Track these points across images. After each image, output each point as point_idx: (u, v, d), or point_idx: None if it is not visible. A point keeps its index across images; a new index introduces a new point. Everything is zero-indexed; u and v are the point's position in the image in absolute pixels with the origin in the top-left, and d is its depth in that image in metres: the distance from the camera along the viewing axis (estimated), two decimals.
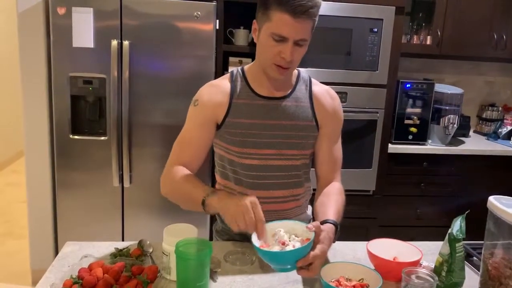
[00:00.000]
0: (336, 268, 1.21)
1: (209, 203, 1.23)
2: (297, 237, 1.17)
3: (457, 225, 1.19)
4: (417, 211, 3.24)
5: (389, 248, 1.36)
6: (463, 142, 3.32)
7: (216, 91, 1.40)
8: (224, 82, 1.42)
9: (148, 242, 1.41)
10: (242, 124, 1.38)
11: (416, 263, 1.27)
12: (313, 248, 1.12)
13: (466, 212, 1.26)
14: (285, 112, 1.40)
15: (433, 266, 1.31)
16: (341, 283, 1.14)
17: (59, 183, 2.62)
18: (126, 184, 2.63)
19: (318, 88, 1.46)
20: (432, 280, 1.10)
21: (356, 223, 3.04)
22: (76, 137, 2.60)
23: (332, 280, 1.18)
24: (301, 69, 1.48)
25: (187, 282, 1.13)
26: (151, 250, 1.37)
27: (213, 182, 2.68)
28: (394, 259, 1.35)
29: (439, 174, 3.19)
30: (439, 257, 1.22)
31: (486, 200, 1.18)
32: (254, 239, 1.13)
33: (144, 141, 2.61)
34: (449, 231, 1.19)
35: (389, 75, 2.85)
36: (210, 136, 1.41)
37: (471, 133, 3.60)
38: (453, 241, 1.16)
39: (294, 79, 1.44)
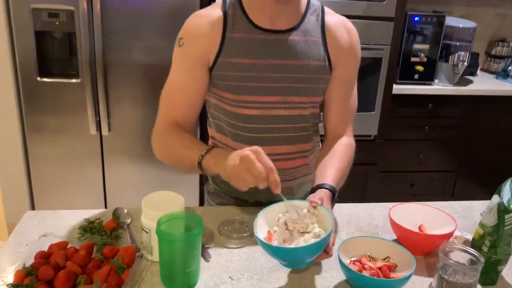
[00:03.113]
0: (355, 244, 0.99)
1: (205, 165, 1.00)
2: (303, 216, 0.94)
3: (508, 192, 0.96)
4: (419, 156, 3.05)
5: (413, 214, 1.14)
6: (471, 82, 3.07)
7: (205, 22, 1.10)
8: (214, 12, 1.12)
9: (125, 211, 1.17)
10: (238, 65, 1.10)
11: (450, 236, 1.05)
12: None
13: None
14: (291, 49, 1.11)
15: (467, 237, 1.11)
16: (364, 265, 0.93)
17: (28, 130, 2.34)
18: (105, 132, 2.35)
19: (332, 19, 1.17)
20: (479, 261, 0.89)
21: (355, 170, 2.82)
22: (45, 79, 2.28)
23: (352, 260, 0.97)
24: None
25: (173, 269, 0.91)
26: (129, 221, 1.14)
27: (203, 135, 2.44)
28: (419, 227, 1.14)
29: (444, 117, 2.98)
30: (480, 228, 1.01)
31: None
32: (257, 230, 0.89)
33: (122, 83, 2.31)
34: (498, 200, 0.96)
35: (397, 7, 2.53)
36: (203, 82, 1.14)
37: (478, 71, 3.34)
38: (503, 212, 0.94)
39: (303, 7, 1.14)
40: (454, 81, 2.92)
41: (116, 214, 1.14)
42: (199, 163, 1.01)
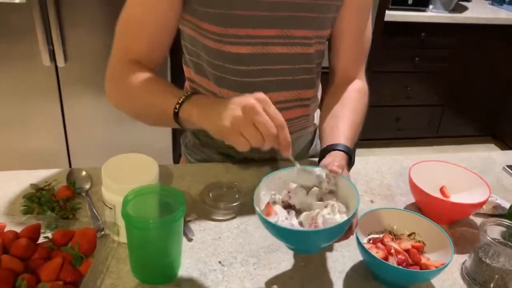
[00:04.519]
0: (374, 219, 0.80)
1: (184, 116, 0.74)
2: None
3: None
4: (407, 89, 2.87)
5: (434, 173, 0.96)
6: (466, 8, 2.84)
7: None
8: None
9: (83, 173, 0.93)
10: None
11: (482, 204, 0.87)
12: None
13: None
14: None
15: (498, 202, 0.94)
16: (390, 248, 0.74)
17: None
18: (60, 62, 2.03)
19: None
20: None
21: None
22: None
23: (372, 239, 0.78)
24: None
25: (146, 261, 0.70)
26: (88, 187, 0.91)
27: (174, 76, 2.14)
28: (441, 189, 0.96)
29: (436, 47, 2.77)
30: None
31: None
32: (258, 207, 0.66)
33: (77, 4, 1.95)
34: None
35: None
36: (176, 6, 0.85)
37: None
38: None
39: None
40: (450, 7, 2.68)
41: (71, 178, 0.91)
42: (176, 113, 0.75)
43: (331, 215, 0.66)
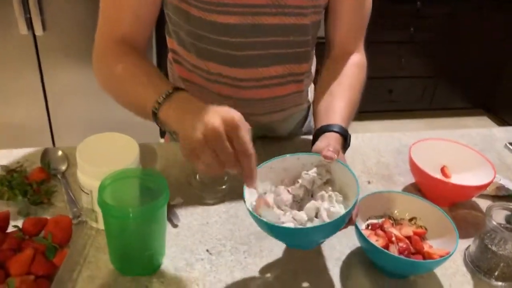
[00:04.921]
0: (373, 203, 0.75)
1: (163, 117, 0.66)
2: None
3: None
4: (401, 60, 2.80)
5: (435, 152, 0.91)
6: None
7: None
8: None
9: (59, 153, 0.86)
10: None
11: (487, 186, 0.82)
12: None
13: None
14: None
15: (501, 183, 0.89)
16: (391, 235, 0.69)
17: None
18: (38, 31, 1.92)
19: None
20: None
21: None
22: None
23: (370, 224, 0.73)
24: None
25: (127, 253, 0.64)
26: (64, 168, 0.84)
27: (160, 46, 2.03)
28: (442, 169, 0.91)
29: (431, 16, 2.69)
30: None
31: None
32: (247, 199, 0.61)
33: None
34: None
35: None
36: None
37: None
38: None
39: None
40: None
41: (45, 159, 0.83)
42: (155, 114, 0.67)
43: (333, 207, 0.61)
